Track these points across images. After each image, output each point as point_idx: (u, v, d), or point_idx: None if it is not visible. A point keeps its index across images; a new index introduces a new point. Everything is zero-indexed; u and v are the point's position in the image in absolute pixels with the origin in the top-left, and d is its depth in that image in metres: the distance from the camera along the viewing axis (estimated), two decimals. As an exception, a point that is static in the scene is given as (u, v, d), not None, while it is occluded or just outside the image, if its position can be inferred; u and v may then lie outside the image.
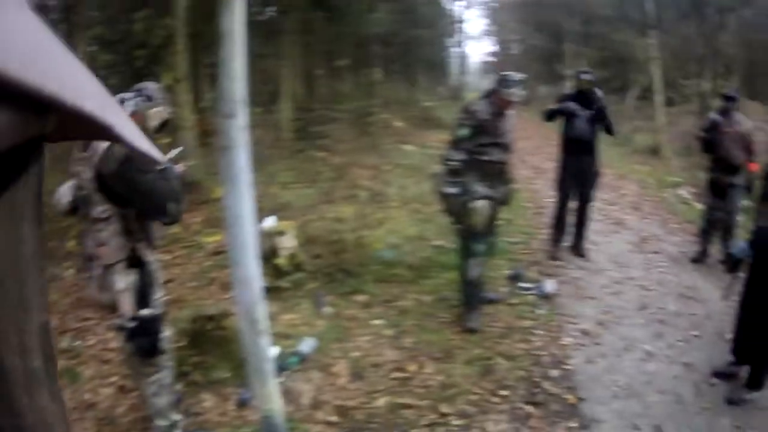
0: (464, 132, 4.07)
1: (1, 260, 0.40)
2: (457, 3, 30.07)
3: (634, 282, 5.60)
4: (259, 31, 10.10)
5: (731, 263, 4.00)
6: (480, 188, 4.13)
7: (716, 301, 5.00)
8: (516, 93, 4.03)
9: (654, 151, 13.24)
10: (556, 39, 26.03)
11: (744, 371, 3.79)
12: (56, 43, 0.36)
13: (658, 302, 5.12)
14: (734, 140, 5.74)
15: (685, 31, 17.58)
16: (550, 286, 5.15)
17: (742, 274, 3.94)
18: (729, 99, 5.90)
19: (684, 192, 9.62)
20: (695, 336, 4.53)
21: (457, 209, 4.18)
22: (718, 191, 5.98)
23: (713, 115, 5.99)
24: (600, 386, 3.78)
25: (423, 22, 18.82)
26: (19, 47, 0.29)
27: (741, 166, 5.83)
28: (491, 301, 4.76)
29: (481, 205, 4.09)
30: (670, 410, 3.57)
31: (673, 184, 10.18)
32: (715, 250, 6.26)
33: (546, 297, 5.01)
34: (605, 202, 8.39)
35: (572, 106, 5.79)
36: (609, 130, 5.93)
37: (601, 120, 5.82)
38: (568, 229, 6.24)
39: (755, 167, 5.81)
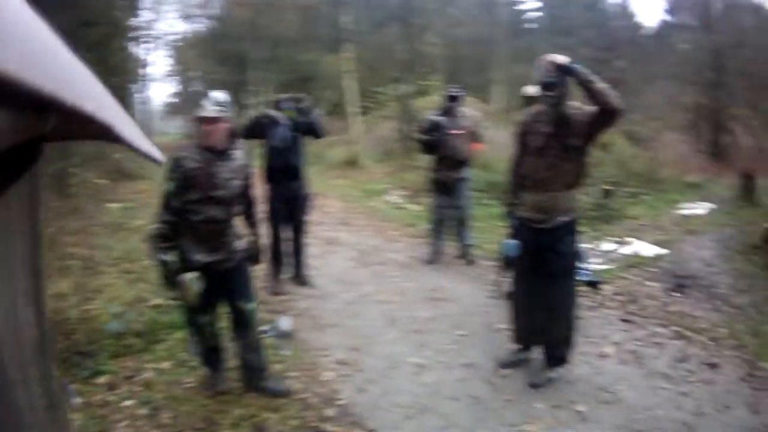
0: (170, 187, 3.60)
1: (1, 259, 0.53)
2: (142, 46, 29.07)
3: (370, 298, 5.76)
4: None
5: (505, 263, 4.23)
6: (195, 255, 3.68)
7: (469, 296, 5.36)
8: (208, 107, 3.53)
9: (351, 163, 14.10)
10: (240, 68, 26.46)
11: (535, 354, 4.04)
12: (57, 43, 0.40)
13: (406, 312, 5.31)
14: (460, 138, 6.33)
15: (382, 39, 19.24)
16: (285, 323, 4.99)
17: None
18: (453, 99, 6.45)
19: (394, 197, 10.36)
20: (462, 336, 4.79)
21: (169, 280, 3.67)
22: (445, 189, 6.50)
23: (433, 116, 6.47)
24: (384, 412, 3.74)
25: (114, 69, 17.80)
26: (19, 47, 0.31)
27: (467, 161, 6.38)
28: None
29: (189, 278, 3.59)
30: (474, 413, 3.67)
31: (380, 192, 10.93)
32: (450, 247, 6.72)
33: (285, 335, 4.86)
34: (312, 223, 8.48)
35: (276, 116, 5.73)
36: (317, 132, 5.95)
37: (307, 129, 5.86)
38: (286, 260, 6.17)
39: (478, 146, 6.43)
